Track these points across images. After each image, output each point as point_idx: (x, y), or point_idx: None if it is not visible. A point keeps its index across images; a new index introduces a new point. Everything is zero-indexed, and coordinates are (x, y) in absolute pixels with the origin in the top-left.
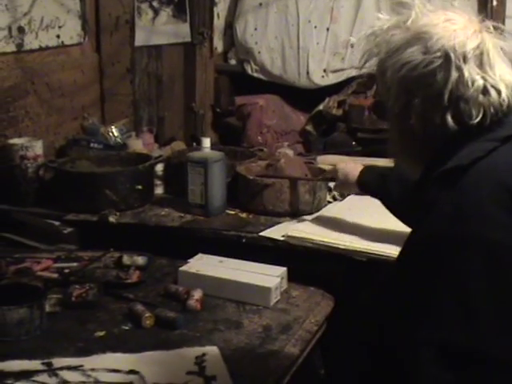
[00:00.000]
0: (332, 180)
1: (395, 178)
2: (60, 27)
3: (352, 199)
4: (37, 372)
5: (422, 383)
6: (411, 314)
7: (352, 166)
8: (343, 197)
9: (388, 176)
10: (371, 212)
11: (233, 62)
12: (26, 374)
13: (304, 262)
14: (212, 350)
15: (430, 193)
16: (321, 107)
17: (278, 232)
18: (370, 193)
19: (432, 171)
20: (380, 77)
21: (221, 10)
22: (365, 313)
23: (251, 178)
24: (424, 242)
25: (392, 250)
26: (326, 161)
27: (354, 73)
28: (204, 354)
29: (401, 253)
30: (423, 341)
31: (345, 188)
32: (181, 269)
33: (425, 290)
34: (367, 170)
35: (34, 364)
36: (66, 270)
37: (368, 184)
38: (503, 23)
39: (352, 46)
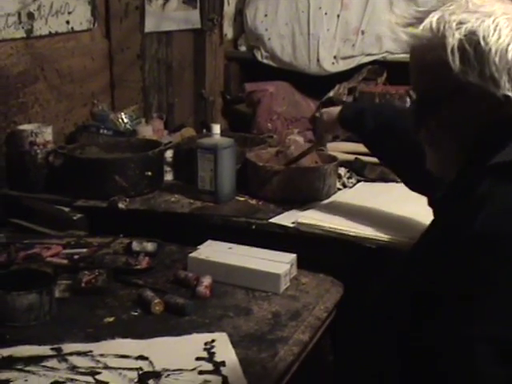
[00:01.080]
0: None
1: (371, 113)
2: (70, 13)
3: (362, 186)
4: (46, 357)
5: (478, 380)
6: (463, 310)
7: (335, 108)
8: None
9: (365, 111)
10: (381, 199)
11: (243, 48)
12: (36, 360)
13: (313, 249)
14: (221, 336)
15: (481, 187)
16: (331, 94)
17: (287, 219)
18: (348, 128)
19: (479, 164)
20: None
21: None
22: (376, 303)
23: (261, 164)
24: (479, 237)
25: (402, 238)
26: (335, 148)
27: (364, 59)
28: (213, 340)
29: (434, 247)
30: (479, 337)
31: (329, 128)
32: (190, 255)
33: (481, 287)
34: (346, 106)
35: (44, 349)
36: (76, 256)
37: (346, 119)
38: None
39: (363, 32)
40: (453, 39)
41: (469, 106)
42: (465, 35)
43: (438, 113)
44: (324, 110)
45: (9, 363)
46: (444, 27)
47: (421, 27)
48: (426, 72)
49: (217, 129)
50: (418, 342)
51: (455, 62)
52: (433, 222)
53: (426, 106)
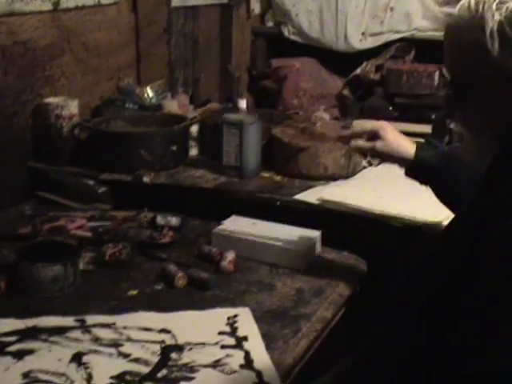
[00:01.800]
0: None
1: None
2: None
3: (388, 165)
4: (70, 328)
5: None
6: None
7: (397, 134)
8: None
9: (451, 155)
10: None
11: (270, 24)
12: (60, 330)
13: (338, 226)
14: (244, 311)
15: None
16: (358, 71)
17: (312, 195)
18: (427, 173)
19: None
20: None
21: None
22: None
23: (286, 140)
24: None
25: (428, 216)
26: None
27: (392, 37)
28: (236, 315)
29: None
30: None
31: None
32: (214, 230)
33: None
34: (423, 146)
35: (68, 321)
36: (100, 229)
37: (427, 163)
38: None
39: (392, 9)
40: (492, 21)
41: (506, 91)
42: (505, 16)
43: (473, 97)
44: (383, 134)
45: (33, 333)
46: (483, 7)
47: (458, 6)
48: (461, 54)
49: (243, 104)
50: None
51: (494, 46)
52: (462, 213)
53: (460, 88)
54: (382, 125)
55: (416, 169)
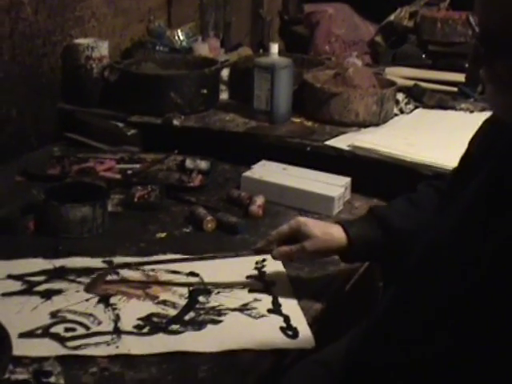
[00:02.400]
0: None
1: (394, 212)
2: None
3: (420, 113)
4: (98, 270)
5: None
6: None
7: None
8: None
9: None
10: (439, 126)
11: None
12: (88, 271)
13: (368, 173)
14: None
15: None
16: (392, 18)
17: (343, 142)
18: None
19: None
20: None
21: None
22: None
23: (318, 86)
24: None
25: None
26: (394, 73)
27: None
28: (264, 260)
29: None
30: None
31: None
32: (244, 174)
33: None
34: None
35: (96, 262)
36: (129, 172)
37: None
38: None
39: None
40: None
41: None
42: None
43: (505, 57)
44: (304, 232)
45: (61, 274)
46: None
47: None
48: (496, 7)
49: (275, 48)
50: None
51: None
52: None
53: (491, 46)
54: (301, 221)
55: (355, 249)
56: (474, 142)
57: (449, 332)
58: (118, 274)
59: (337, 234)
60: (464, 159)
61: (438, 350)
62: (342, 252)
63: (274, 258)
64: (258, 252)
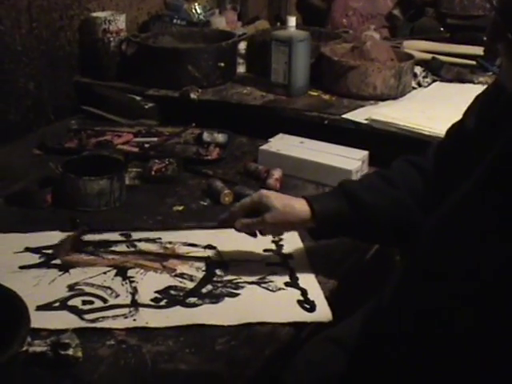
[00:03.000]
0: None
1: (364, 187)
2: None
3: (438, 86)
4: (115, 242)
5: None
6: None
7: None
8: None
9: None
10: (457, 100)
11: None
12: (105, 244)
13: (386, 147)
14: None
15: None
16: None
17: (361, 115)
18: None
19: None
20: None
21: None
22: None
23: (336, 59)
24: None
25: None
26: (412, 46)
27: None
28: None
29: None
30: None
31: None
32: (261, 148)
33: None
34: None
35: (113, 235)
36: (146, 145)
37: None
38: None
39: None
40: None
41: None
42: None
43: None
44: (265, 203)
45: (79, 246)
46: None
47: None
48: None
49: (292, 21)
50: None
51: None
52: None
53: (509, 20)
54: (263, 193)
55: (320, 222)
56: (469, 116)
57: (475, 306)
58: (135, 246)
59: (299, 207)
60: (456, 133)
61: (465, 324)
62: (308, 227)
63: (236, 229)
64: (221, 223)
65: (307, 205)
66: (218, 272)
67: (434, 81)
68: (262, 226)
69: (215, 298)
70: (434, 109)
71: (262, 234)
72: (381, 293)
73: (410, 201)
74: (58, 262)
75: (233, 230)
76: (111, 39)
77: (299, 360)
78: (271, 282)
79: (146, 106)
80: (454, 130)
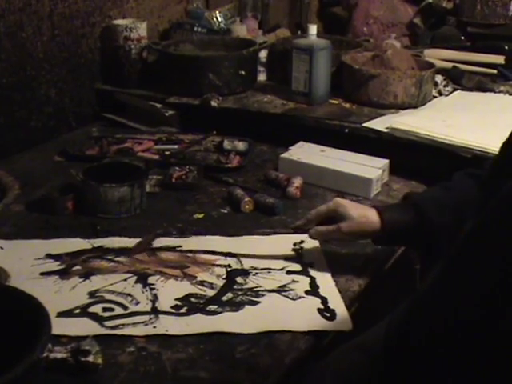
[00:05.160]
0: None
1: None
2: None
3: (459, 95)
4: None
5: None
6: None
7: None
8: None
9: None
10: (478, 109)
11: None
12: (126, 251)
13: (407, 155)
14: None
15: None
16: (430, 0)
17: (381, 123)
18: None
19: None
20: None
21: None
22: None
23: (357, 67)
24: None
25: (498, 148)
26: (433, 55)
27: None
28: (302, 241)
29: None
30: None
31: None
32: (282, 156)
33: None
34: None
35: (134, 242)
36: (167, 152)
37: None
38: None
39: None
40: None
41: None
42: None
43: None
44: (341, 213)
45: (99, 253)
46: None
47: None
48: None
49: (313, 29)
50: None
51: None
52: None
53: None
54: (339, 202)
55: (388, 233)
56: None
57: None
58: (155, 254)
59: (372, 217)
60: (504, 147)
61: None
62: (376, 236)
63: (311, 236)
64: (296, 230)
65: (377, 215)
66: (238, 280)
67: (454, 89)
68: (337, 235)
69: (235, 306)
70: (454, 117)
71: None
72: (404, 300)
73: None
74: (78, 268)
75: (253, 237)
76: (132, 47)
77: (324, 368)
78: (291, 290)
79: (167, 114)
80: (503, 143)
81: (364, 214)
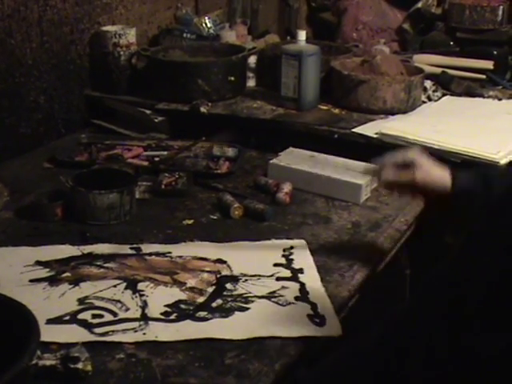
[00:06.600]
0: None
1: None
2: None
3: (448, 100)
4: (126, 256)
5: None
6: None
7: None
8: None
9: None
10: (467, 114)
11: None
12: (115, 257)
13: None
14: (300, 243)
15: None
16: (419, 5)
17: (370, 129)
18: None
19: None
20: None
21: None
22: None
23: (346, 73)
24: None
25: (487, 153)
26: (422, 60)
27: None
28: (292, 247)
29: None
30: None
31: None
32: (271, 161)
33: None
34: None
35: (123, 248)
36: (156, 159)
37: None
38: None
39: None
40: None
41: None
42: None
43: None
44: (418, 162)
45: (89, 260)
46: None
47: None
48: None
49: (302, 35)
50: None
51: None
52: None
53: None
54: (417, 153)
55: (457, 198)
56: None
57: None
58: (145, 260)
59: (445, 171)
60: None
61: None
62: (443, 194)
63: (383, 184)
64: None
65: (450, 174)
66: (228, 286)
67: (443, 95)
68: (410, 183)
69: (225, 312)
70: (443, 123)
71: (399, 193)
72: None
73: None
74: (67, 275)
75: (243, 243)
76: (121, 53)
77: (319, 374)
78: (281, 296)
79: (156, 120)
80: None
81: (439, 168)
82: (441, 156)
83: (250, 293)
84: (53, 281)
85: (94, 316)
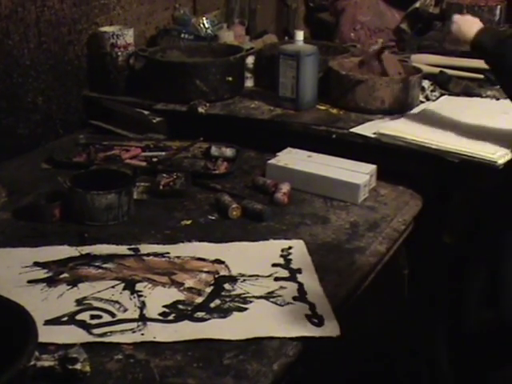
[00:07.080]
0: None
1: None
2: None
3: (446, 100)
4: (124, 256)
5: None
6: None
7: (469, 20)
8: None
9: (507, 41)
10: (465, 113)
11: None
12: (114, 258)
13: (394, 161)
14: (298, 243)
15: None
16: (417, 5)
17: (369, 129)
18: (482, 55)
19: None
20: None
21: None
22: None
23: (344, 73)
24: None
25: (485, 152)
26: (420, 60)
27: None
28: (290, 247)
29: None
30: None
31: (455, 43)
32: (269, 162)
33: None
34: (485, 30)
35: (121, 249)
36: (154, 159)
37: (482, 45)
38: None
39: None
40: None
41: None
42: None
43: None
44: (455, 18)
45: (87, 260)
46: None
47: None
48: None
49: (300, 35)
50: None
51: None
52: None
53: None
54: (452, 19)
55: (472, 50)
56: None
57: None
58: (143, 261)
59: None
60: None
61: None
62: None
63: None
64: None
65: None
66: (226, 286)
67: (441, 94)
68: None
69: (223, 313)
70: (441, 122)
71: None
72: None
73: None
74: (66, 276)
75: (241, 243)
76: (119, 53)
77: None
78: (279, 296)
79: (154, 121)
80: None
81: (472, 25)
82: (439, 156)
83: (248, 293)
84: (51, 282)
85: (93, 317)
